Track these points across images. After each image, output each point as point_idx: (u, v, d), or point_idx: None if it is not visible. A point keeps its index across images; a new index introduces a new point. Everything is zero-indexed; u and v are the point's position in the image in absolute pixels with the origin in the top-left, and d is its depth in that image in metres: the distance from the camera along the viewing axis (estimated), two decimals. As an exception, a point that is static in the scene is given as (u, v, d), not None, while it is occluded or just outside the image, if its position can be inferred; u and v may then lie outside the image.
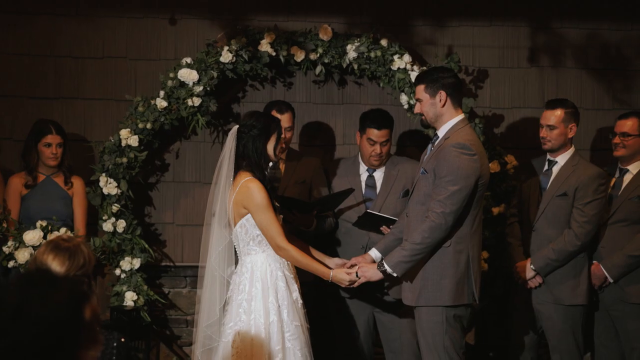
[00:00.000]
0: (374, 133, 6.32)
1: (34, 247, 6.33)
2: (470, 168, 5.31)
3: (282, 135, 6.26)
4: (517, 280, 6.39)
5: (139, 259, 6.84)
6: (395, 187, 6.42)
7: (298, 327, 5.37)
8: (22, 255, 6.33)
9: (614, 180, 6.55)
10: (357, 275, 5.48)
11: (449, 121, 5.51)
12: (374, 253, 5.83)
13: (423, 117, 5.60)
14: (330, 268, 5.59)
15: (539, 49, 7.39)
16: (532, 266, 6.24)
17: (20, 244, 6.39)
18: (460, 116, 5.53)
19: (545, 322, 6.30)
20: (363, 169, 6.50)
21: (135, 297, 6.78)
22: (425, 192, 5.42)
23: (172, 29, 7.21)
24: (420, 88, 5.55)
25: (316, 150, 7.17)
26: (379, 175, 6.49)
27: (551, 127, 6.30)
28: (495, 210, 6.93)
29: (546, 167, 6.43)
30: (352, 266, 5.70)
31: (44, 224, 6.40)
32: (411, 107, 6.91)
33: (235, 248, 5.54)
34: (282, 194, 6.35)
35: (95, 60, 7.17)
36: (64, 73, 7.15)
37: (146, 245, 6.90)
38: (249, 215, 5.35)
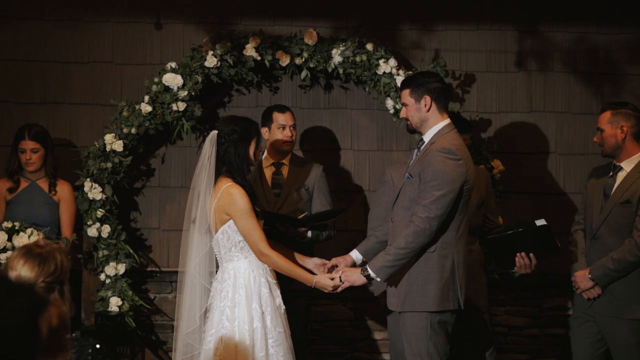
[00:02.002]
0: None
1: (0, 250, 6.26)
2: (456, 173, 5.26)
3: (289, 134, 6.30)
4: (575, 290, 6.21)
5: (124, 264, 6.82)
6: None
7: (281, 333, 5.34)
8: None
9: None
10: (340, 280, 5.44)
11: (434, 126, 5.45)
12: (355, 254, 5.79)
13: (408, 122, 5.55)
14: (313, 273, 5.55)
15: (526, 53, 7.36)
16: (590, 276, 6.04)
17: None
18: (446, 121, 5.47)
19: (608, 337, 6.08)
20: None
21: (120, 303, 6.76)
22: (410, 197, 5.37)
23: (157, 34, 7.20)
24: (406, 92, 5.50)
25: (311, 156, 7.15)
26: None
27: (600, 130, 6.10)
28: (482, 215, 6.88)
29: (611, 172, 6.17)
30: (332, 267, 5.68)
31: (10, 225, 6.32)
32: (397, 111, 6.90)
33: (215, 255, 5.51)
34: (284, 200, 6.33)
35: (81, 65, 7.17)
36: (49, 78, 7.15)
37: (131, 251, 6.88)
38: (231, 221, 5.31)
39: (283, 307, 5.43)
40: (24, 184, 6.70)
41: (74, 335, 3.81)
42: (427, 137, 5.46)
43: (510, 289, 7.32)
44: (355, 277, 5.41)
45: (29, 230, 6.33)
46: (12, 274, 3.64)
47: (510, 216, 7.09)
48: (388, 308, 5.57)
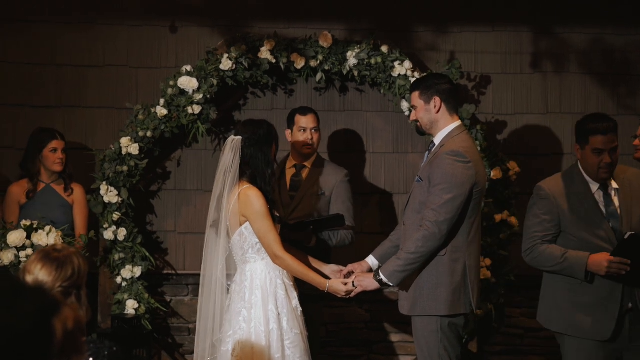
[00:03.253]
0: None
1: (18, 248, 6.24)
2: (465, 176, 5.23)
3: (309, 137, 6.31)
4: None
5: (140, 267, 6.84)
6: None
7: (298, 334, 5.32)
8: (7, 257, 6.20)
9: None
10: (353, 285, 5.42)
11: (444, 128, 5.43)
12: (371, 260, 5.78)
13: (418, 124, 5.52)
14: (327, 277, 5.55)
15: (542, 54, 7.34)
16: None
17: (4, 245, 6.27)
18: (457, 123, 5.45)
19: None
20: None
21: (137, 306, 6.78)
22: (420, 201, 5.35)
23: (172, 37, 7.21)
24: (415, 95, 5.48)
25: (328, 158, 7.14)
26: None
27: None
28: (498, 217, 6.88)
29: None
30: (348, 274, 5.66)
31: (28, 223, 6.32)
32: None
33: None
34: (298, 203, 6.32)
35: (96, 69, 7.18)
36: (64, 81, 7.16)
37: (147, 254, 6.89)
38: (248, 223, 5.31)
39: (300, 308, 5.41)
40: (39, 187, 6.70)
41: (89, 338, 3.81)
42: (437, 140, 5.45)
43: (526, 290, 7.28)
44: (368, 282, 5.39)
45: (47, 228, 6.30)
46: (30, 278, 3.64)
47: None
48: (401, 312, 5.55)
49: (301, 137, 6.34)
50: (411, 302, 5.38)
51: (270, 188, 5.37)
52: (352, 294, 5.45)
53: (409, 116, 6.89)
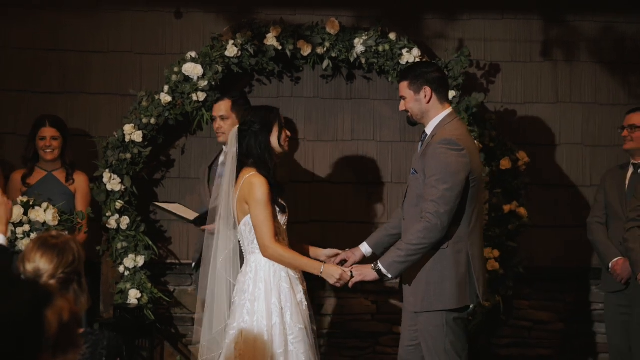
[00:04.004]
0: None
1: (15, 224, 6.18)
2: (459, 164, 5.12)
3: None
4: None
5: (143, 256, 6.77)
6: None
7: (302, 329, 5.25)
8: None
9: (629, 175, 6.42)
10: (351, 275, 5.31)
11: (435, 117, 5.33)
12: (365, 248, 5.69)
13: (409, 114, 5.43)
14: (322, 262, 5.46)
15: (552, 42, 7.26)
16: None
17: None
18: (448, 110, 5.36)
19: None
20: None
21: (139, 295, 6.72)
22: (417, 194, 5.26)
23: (177, 23, 7.14)
24: (404, 85, 5.39)
25: (333, 146, 7.09)
26: None
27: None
28: (507, 208, 6.82)
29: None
30: (342, 262, 5.58)
31: (25, 199, 6.26)
32: None
33: (240, 248, 5.43)
34: None
35: (100, 55, 7.11)
36: (68, 67, 7.09)
37: (150, 243, 6.83)
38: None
39: (305, 302, 5.34)
40: (40, 175, 6.64)
41: (88, 329, 3.75)
42: (429, 129, 5.37)
43: (535, 282, 7.23)
44: (367, 272, 5.28)
45: (44, 205, 6.28)
46: (30, 267, 3.58)
47: (535, 208, 7.02)
48: (408, 308, 5.43)
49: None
50: (419, 298, 5.28)
51: (272, 175, 5.29)
52: (350, 284, 5.34)
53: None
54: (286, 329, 5.21)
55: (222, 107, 6.34)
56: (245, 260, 5.37)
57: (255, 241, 5.26)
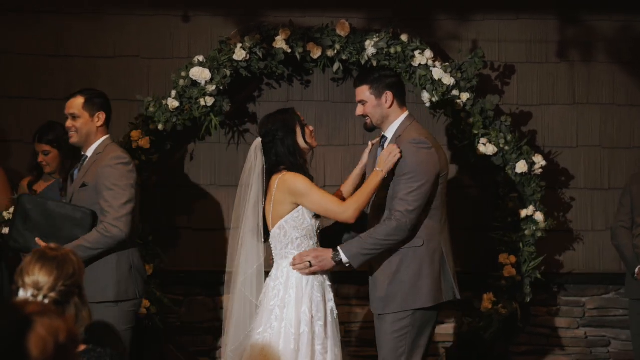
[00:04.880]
0: None
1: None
2: (431, 162, 5.25)
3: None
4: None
5: (152, 265, 6.70)
6: None
7: (331, 340, 5.23)
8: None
9: None
10: (310, 264, 5.25)
11: (395, 120, 5.45)
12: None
13: (368, 120, 5.48)
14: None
15: (568, 42, 7.17)
16: None
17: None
18: (406, 113, 5.48)
19: None
20: None
21: (148, 304, 6.64)
22: (385, 195, 5.33)
23: (185, 27, 7.07)
24: (364, 89, 5.45)
25: (345, 151, 7.00)
26: None
27: None
28: (523, 212, 6.72)
29: None
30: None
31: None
32: (433, 104, 6.78)
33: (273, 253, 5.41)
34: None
35: (106, 60, 7.05)
36: (74, 73, 7.02)
37: (159, 251, 6.77)
38: (289, 216, 5.23)
39: (336, 311, 5.33)
40: (47, 183, 6.57)
41: (90, 346, 3.64)
42: (389, 133, 5.48)
43: (552, 288, 7.15)
44: (326, 263, 5.26)
45: None
46: (29, 280, 3.49)
47: (552, 212, 6.92)
48: (375, 313, 5.45)
49: None
50: (388, 299, 5.30)
51: (307, 173, 5.31)
52: (308, 272, 5.26)
53: (429, 107, 6.78)
54: (314, 339, 5.18)
55: (74, 105, 5.73)
56: (275, 265, 5.37)
57: (290, 246, 5.27)
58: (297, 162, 5.27)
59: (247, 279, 5.36)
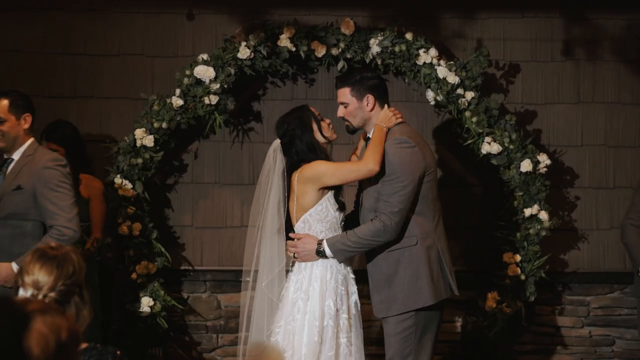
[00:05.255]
0: None
1: None
2: (414, 161, 5.25)
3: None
4: None
5: (156, 264, 6.68)
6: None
7: (354, 332, 5.29)
8: None
9: None
10: (294, 255, 5.38)
11: None
12: None
13: (348, 123, 5.49)
14: None
15: (573, 41, 7.15)
16: None
17: None
18: None
19: None
20: None
21: (152, 303, 6.63)
22: (375, 197, 5.34)
23: (189, 25, 7.05)
24: (345, 91, 5.44)
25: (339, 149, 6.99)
26: None
27: None
28: (528, 211, 6.68)
29: None
30: None
31: None
32: (438, 103, 6.75)
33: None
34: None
35: (111, 58, 7.03)
36: (79, 71, 7.01)
37: (163, 249, 6.74)
38: (312, 210, 5.29)
39: (359, 304, 5.38)
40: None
41: (91, 344, 3.65)
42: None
43: (557, 287, 7.13)
44: (310, 257, 5.32)
45: None
46: (29, 279, 3.50)
47: (557, 211, 6.93)
48: (378, 317, 5.49)
49: None
50: (389, 302, 5.31)
51: None
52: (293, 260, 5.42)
53: (434, 106, 6.76)
54: (339, 332, 5.23)
55: None
56: None
57: None
58: (319, 158, 5.32)
59: (271, 281, 5.42)
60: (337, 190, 5.35)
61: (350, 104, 5.41)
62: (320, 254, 5.27)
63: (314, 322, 5.17)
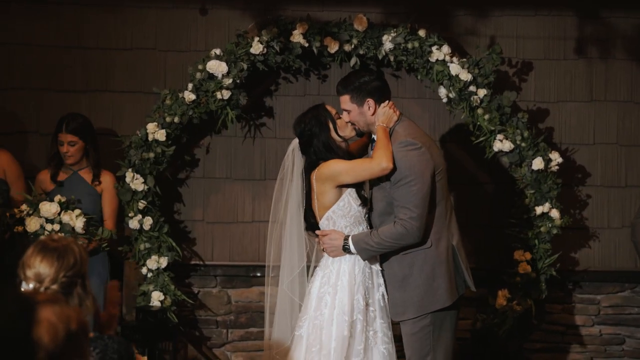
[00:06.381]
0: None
1: (47, 220, 6.18)
2: (422, 163, 5.21)
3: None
4: None
5: (166, 258, 6.66)
6: None
7: (382, 324, 5.30)
8: (33, 224, 6.17)
9: None
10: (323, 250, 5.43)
11: None
12: None
13: (355, 126, 5.48)
14: None
15: (586, 39, 7.13)
16: None
17: (35, 211, 6.21)
18: None
19: None
20: None
21: (162, 297, 6.62)
22: (387, 202, 5.33)
23: (202, 19, 7.03)
24: (346, 99, 5.44)
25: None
26: None
27: None
28: (539, 209, 6.67)
29: None
30: None
31: (63, 199, 6.24)
32: (451, 100, 6.72)
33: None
34: None
35: (123, 52, 7.01)
36: (91, 65, 6.99)
37: (174, 244, 6.72)
38: (335, 206, 5.31)
39: (386, 296, 5.38)
40: (65, 174, 6.54)
41: (96, 334, 3.67)
42: None
43: (568, 285, 7.13)
44: (337, 253, 5.34)
45: (76, 211, 6.25)
46: (30, 272, 3.54)
47: (568, 209, 6.91)
48: (394, 320, 5.45)
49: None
50: (405, 305, 5.31)
51: None
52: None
53: (447, 103, 6.75)
54: (367, 326, 5.25)
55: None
56: (326, 254, 5.44)
57: None
58: (337, 157, 5.33)
59: (293, 280, 5.47)
60: (359, 185, 5.36)
61: (352, 110, 5.40)
62: (347, 250, 5.28)
63: (343, 317, 5.18)
